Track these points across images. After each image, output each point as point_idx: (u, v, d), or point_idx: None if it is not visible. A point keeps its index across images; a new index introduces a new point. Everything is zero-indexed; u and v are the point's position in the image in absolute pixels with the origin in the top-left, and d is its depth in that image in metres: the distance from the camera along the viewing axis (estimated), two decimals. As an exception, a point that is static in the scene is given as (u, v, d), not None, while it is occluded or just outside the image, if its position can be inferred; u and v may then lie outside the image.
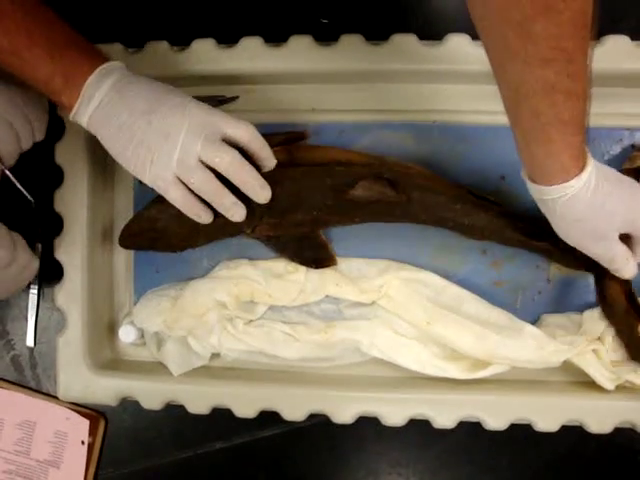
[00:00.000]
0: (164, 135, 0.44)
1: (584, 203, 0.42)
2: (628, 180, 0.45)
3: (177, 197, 0.46)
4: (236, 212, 0.48)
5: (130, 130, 0.45)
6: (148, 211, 0.53)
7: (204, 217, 0.48)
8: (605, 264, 0.47)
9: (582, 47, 0.36)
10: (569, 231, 0.45)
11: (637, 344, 0.51)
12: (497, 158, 0.55)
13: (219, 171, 0.46)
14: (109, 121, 0.45)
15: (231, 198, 0.47)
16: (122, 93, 0.45)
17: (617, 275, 0.48)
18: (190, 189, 0.46)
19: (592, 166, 0.42)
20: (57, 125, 0.55)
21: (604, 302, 0.52)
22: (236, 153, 0.46)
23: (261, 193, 0.48)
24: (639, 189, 0.45)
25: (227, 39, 0.54)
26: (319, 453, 0.58)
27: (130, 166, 0.46)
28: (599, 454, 0.56)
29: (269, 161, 0.49)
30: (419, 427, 0.53)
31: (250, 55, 0.54)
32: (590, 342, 0.52)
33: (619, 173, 0.45)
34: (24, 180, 0.56)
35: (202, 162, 0.45)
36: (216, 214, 0.50)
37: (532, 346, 0.51)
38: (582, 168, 0.41)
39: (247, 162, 0.47)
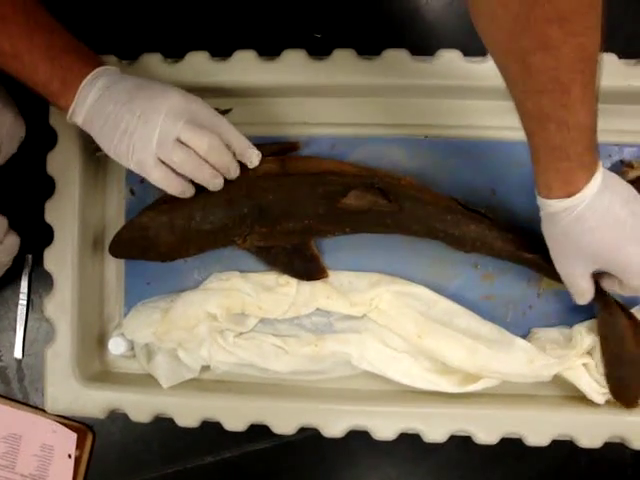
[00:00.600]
0: (144, 120, 0.46)
1: (560, 227, 0.43)
2: (632, 221, 0.44)
3: (160, 177, 0.48)
4: (217, 182, 0.50)
5: (115, 121, 0.46)
6: (139, 219, 0.53)
7: (188, 192, 0.50)
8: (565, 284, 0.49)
9: (580, 80, 0.37)
10: (549, 243, 0.47)
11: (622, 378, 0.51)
12: (488, 172, 0.55)
13: (198, 152, 0.48)
14: (99, 117, 0.47)
15: (211, 170, 0.49)
16: (111, 90, 0.47)
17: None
18: (172, 168, 0.48)
19: (585, 195, 0.42)
20: (49, 136, 0.55)
21: (603, 318, 0.52)
22: (216, 136, 0.48)
23: (235, 175, 0.51)
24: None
25: (221, 52, 0.54)
26: (309, 467, 0.58)
27: (118, 157, 0.48)
28: (590, 469, 0.56)
29: (251, 154, 0.51)
30: (410, 441, 0.53)
31: (244, 68, 0.54)
32: (580, 356, 0.52)
33: (633, 208, 0.44)
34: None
35: (181, 142, 0.47)
36: (207, 221, 0.51)
37: (522, 360, 0.51)
38: (570, 194, 0.42)
39: (220, 144, 0.49)
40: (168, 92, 0.47)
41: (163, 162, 0.47)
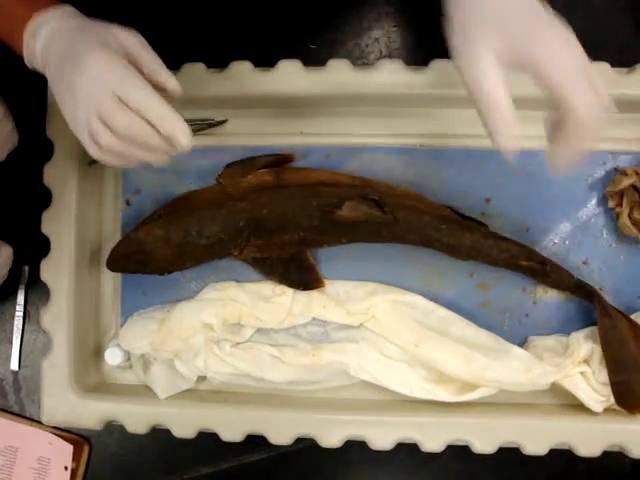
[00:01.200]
0: (70, 91, 0.41)
1: None
2: None
3: (96, 156, 0.43)
4: (157, 159, 0.44)
5: (53, 82, 0.43)
6: (135, 234, 0.54)
7: (133, 167, 0.45)
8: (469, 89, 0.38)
9: None
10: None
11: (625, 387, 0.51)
12: (482, 181, 0.55)
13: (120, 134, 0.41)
14: (47, 71, 0.44)
15: (142, 151, 0.42)
16: (54, 41, 0.43)
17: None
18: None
19: None
20: (46, 147, 0.55)
21: (603, 324, 0.51)
22: (126, 116, 0.40)
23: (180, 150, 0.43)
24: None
25: (217, 63, 0.55)
26: (307, 477, 0.58)
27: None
28: (589, 478, 0.56)
29: (168, 81, 0.44)
30: (407, 451, 0.52)
31: (239, 79, 0.54)
32: (577, 364, 0.51)
33: None
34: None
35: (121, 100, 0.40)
36: (203, 235, 0.51)
37: (519, 368, 0.51)
38: None
39: (140, 123, 0.41)
40: (88, 59, 0.40)
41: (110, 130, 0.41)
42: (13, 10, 0.44)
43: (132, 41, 0.43)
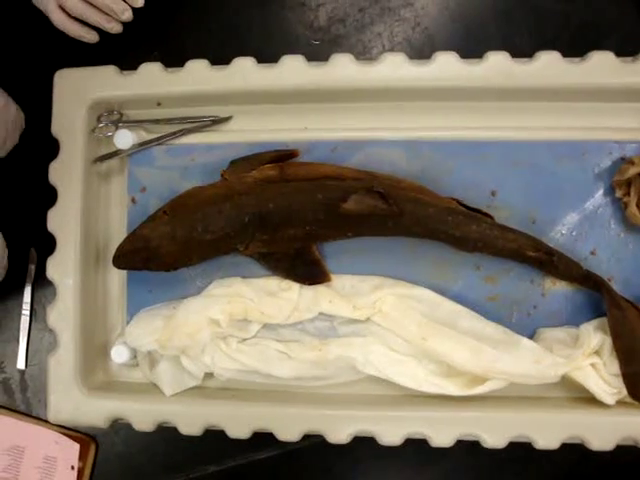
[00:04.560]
0: None
1: None
2: None
3: (58, 20, 0.54)
4: (112, 27, 0.56)
5: None
6: (141, 231, 0.54)
7: (88, 37, 0.57)
8: None
9: None
10: None
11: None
12: (488, 174, 0.55)
13: None
14: None
15: (99, 13, 0.55)
16: None
17: None
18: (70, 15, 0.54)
19: None
20: (52, 145, 0.56)
21: (612, 314, 0.51)
22: None
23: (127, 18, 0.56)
24: None
25: (220, 60, 0.55)
26: (314, 475, 0.57)
27: None
28: (602, 473, 0.55)
29: None
30: (417, 447, 0.52)
31: (243, 75, 0.55)
32: (588, 356, 0.51)
33: None
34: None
35: None
36: (208, 230, 0.50)
37: (529, 360, 0.50)
38: None
39: None
40: None
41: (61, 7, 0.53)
42: None
43: None
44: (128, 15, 0.56)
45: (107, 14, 0.56)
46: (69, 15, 0.55)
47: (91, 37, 0.57)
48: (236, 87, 0.55)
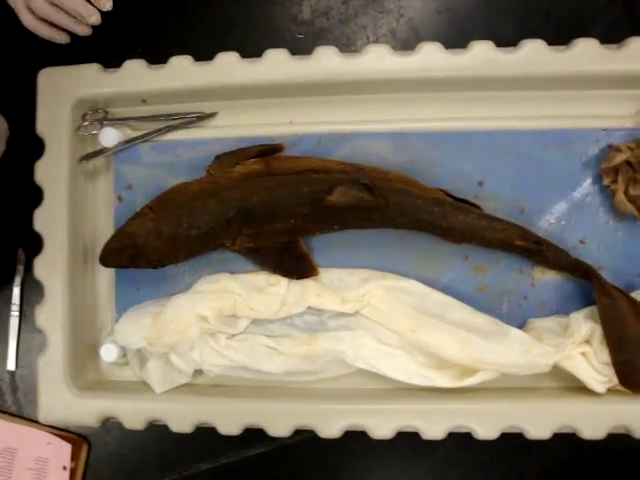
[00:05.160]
0: None
1: None
2: None
3: (28, 22, 0.55)
4: (81, 29, 0.57)
5: None
6: (127, 228, 0.53)
7: (58, 38, 0.58)
8: None
9: None
10: None
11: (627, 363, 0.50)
12: (474, 164, 0.55)
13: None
14: None
15: (67, 18, 0.56)
16: None
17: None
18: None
19: None
20: (37, 144, 0.55)
21: (602, 303, 0.50)
22: None
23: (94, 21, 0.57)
24: None
25: (203, 56, 0.55)
26: (306, 471, 0.57)
27: None
28: (595, 462, 0.54)
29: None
30: (409, 441, 0.51)
31: (227, 70, 0.54)
32: (578, 344, 0.50)
33: None
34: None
35: None
36: (194, 226, 0.50)
37: (518, 350, 0.50)
38: None
39: None
40: None
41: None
42: None
43: None
44: (96, 19, 0.56)
45: (75, 17, 0.56)
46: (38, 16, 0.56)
47: (61, 38, 0.58)
48: (221, 82, 0.55)
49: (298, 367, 0.54)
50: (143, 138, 0.57)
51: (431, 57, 0.53)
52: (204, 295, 0.54)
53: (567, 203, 0.54)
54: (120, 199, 0.58)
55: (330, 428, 0.52)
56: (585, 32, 0.52)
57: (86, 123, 0.57)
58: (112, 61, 0.55)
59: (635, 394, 0.50)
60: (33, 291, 0.59)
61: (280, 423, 0.52)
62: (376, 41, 0.59)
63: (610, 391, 0.51)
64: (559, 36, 0.52)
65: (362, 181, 0.50)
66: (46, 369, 0.54)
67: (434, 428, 0.51)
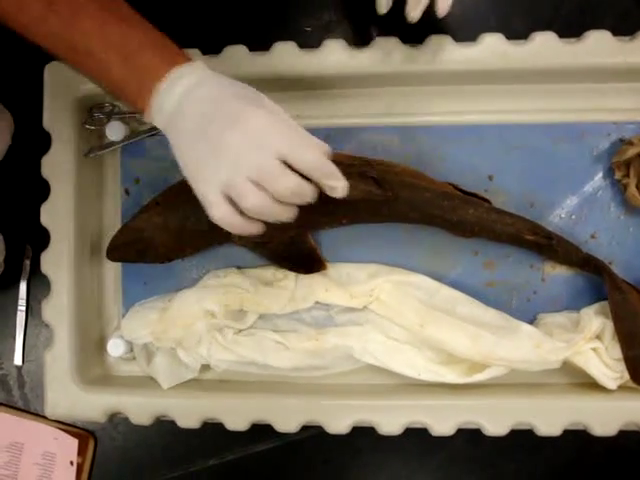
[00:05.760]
0: (215, 155, 0.39)
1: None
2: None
3: (220, 217, 0.40)
4: (291, 217, 0.42)
5: (187, 143, 0.40)
6: (134, 222, 0.53)
7: (255, 231, 0.42)
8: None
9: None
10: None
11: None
12: (484, 158, 0.54)
13: (273, 195, 0.40)
14: (176, 130, 0.41)
15: (285, 209, 0.41)
16: (189, 99, 0.40)
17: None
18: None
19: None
20: (44, 139, 0.55)
21: (613, 298, 0.50)
22: (295, 180, 0.39)
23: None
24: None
25: (211, 49, 0.54)
26: (314, 467, 0.57)
27: (187, 177, 0.41)
28: (606, 459, 0.54)
29: (335, 190, 0.42)
30: (417, 437, 0.51)
31: (235, 63, 0.54)
32: (589, 340, 0.50)
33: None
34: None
35: (253, 181, 0.39)
36: (201, 220, 0.50)
37: (529, 345, 0.50)
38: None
39: (307, 185, 0.41)
40: (248, 115, 0.38)
41: (229, 198, 0.40)
42: (146, 64, 0.41)
43: (277, 107, 0.40)
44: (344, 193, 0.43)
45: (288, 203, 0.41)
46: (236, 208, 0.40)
47: (256, 228, 0.42)
48: (228, 75, 0.53)
49: (306, 362, 0.53)
50: (150, 132, 0.57)
51: (440, 50, 0.52)
52: (211, 290, 0.54)
53: (578, 197, 0.54)
54: (127, 193, 0.58)
55: (338, 424, 0.51)
56: (596, 24, 0.52)
57: (93, 117, 0.57)
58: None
59: None
60: (40, 286, 0.59)
61: (287, 419, 0.52)
62: (385, 34, 0.58)
63: (621, 387, 0.50)
64: (570, 28, 0.52)
65: (370, 174, 0.50)
66: (53, 364, 0.54)
67: (443, 424, 0.50)
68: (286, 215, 0.42)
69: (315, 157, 0.40)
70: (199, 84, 0.40)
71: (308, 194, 0.41)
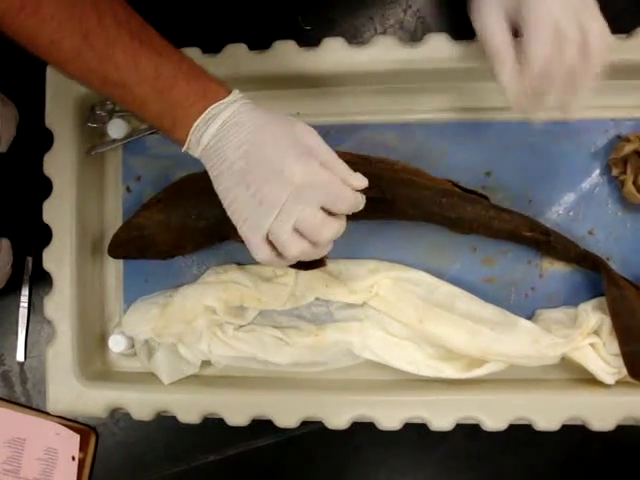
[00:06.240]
0: (258, 201, 0.39)
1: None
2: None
3: (264, 259, 0.41)
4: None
5: (227, 185, 0.41)
6: (135, 219, 0.54)
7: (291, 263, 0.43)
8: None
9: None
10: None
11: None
12: (482, 155, 0.55)
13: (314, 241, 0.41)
14: (216, 169, 0.41)
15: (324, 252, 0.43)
16: (225, 141, 0.40)
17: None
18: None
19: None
20: (46, 136, 0.56)
21: (611, 293, 0.50)
22: (336, 229, 0.41)
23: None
24: None
25: (212, 47, 0.55)
26: (314, 462, 0.57)
27: (230, 216, 0.42)
28: (605, 454, 0.54)
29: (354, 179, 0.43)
30: (416, 432, 0.51)
31: (235, 61, 0.54)
32: (587, 335, 0.50)
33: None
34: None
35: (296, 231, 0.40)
36: (202, 217, 0.51)
37: (527, 340, 0.50)
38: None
39: (343, 227, 0.42)
40: (288, 168, 0.39)
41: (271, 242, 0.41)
42: (180, 100, 0.40)
43: (314, 139, 0.41)
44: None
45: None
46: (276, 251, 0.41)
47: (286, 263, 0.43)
48: (228, 73, 0.55)
49: (306, 358, 0.54)
50: (151, 129, 0.57)
51: (438, 48, 0.53)
52: (212, 286, 0.54)
53: (575, 194, 0.54)
54: (129, 190, 0.58)
55: (338, 419, 0.52)
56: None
57: (95, 115, 0.57)
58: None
59: None
60: (42, 282, 0.59)
61: (288, 414, 0.52)
62: (384, 32, 0.58)
63: (619, 382, 0.51)
64: (568, 26, 0.52)
65: (369, 172, 0.50)
66: (55, 360, 0.55)
67: (442, 419, 0.51)
68: (322, 254, 0.43)
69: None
70: (236, 124, 0.40)
71: (341, 232, 0.42)
